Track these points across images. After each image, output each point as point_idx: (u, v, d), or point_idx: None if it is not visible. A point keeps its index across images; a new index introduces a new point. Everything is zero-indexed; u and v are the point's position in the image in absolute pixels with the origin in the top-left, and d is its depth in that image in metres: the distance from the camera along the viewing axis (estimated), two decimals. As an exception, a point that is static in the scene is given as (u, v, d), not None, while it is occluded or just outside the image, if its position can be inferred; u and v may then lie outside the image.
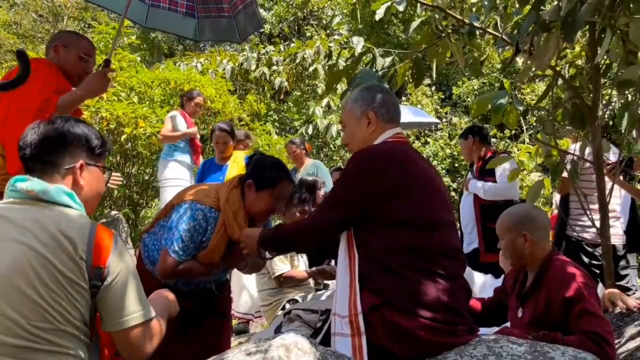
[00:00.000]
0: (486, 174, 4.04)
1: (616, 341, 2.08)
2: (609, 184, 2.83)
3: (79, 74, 2.49)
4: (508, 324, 2.18)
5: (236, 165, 4.41)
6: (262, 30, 13.05)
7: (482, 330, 1.83)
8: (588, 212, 2.84)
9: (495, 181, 4.01)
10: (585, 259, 3.39)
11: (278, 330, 2.36)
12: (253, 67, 9.07)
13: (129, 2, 2.80)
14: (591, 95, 2.69)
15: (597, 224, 2.74)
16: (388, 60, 3.13)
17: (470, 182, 4.15)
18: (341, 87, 6.24)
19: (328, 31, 12.21)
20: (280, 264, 3.65)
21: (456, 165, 10.55)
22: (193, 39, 3.44)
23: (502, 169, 3.92)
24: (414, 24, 3.05)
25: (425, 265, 1.68)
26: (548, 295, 1.92)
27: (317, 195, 4.63)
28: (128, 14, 3.05)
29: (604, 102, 2.89)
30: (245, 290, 4.03)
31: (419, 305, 1.62)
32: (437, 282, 1.67)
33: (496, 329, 2.08)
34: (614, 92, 2.88)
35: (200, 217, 2.10)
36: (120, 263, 1.35)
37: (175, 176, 4.82)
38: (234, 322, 4.02)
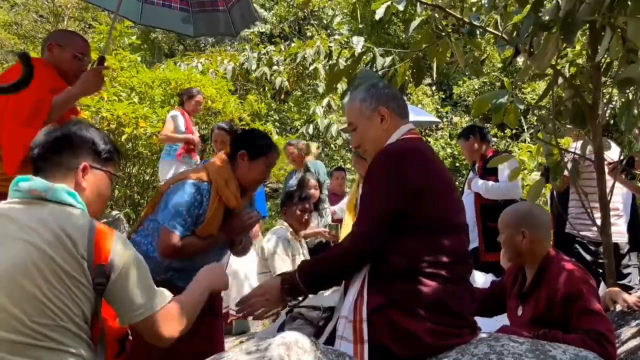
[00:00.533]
0: (488, 173, 4.03)
1: (617, 340, 2.08)
2: (609, 182, 2.83)
3: (75, 72, 2.49)
4: (501, 317, 2.19)
5: None
6: (262, 30, 13.08)
7: (483, 328, 1.83)
8: (589, 211, 2.83)
9: (497, 180, 4.00)
10: (588, 258, 3.38)
11: (281, 329, 2.35)
12: (254, 67, 9.07)
13: (121, 1, 2.78)
14: (592, 94, 2.69)
15: (599, 222, 2.74)
16: (388, 59, 3.13)
17: (473, 180, 4.14)
18: (341, 86, 6.24)
19: (328, 31, 12.21)
20: (282, 263, 3.65)
21: (457, 164, 10.54)
22: (188, 34, 3.42)
23: (505, 169, 3.90)
24: (414, 24, 3.04)
25: (438, 270, 1.65)
26: (549, 293, 1.92)
27: (314, 195, 4.65)
28: (122, 11, 3.03)
29: (604, 100, 2.89)
30: (245, 285, 3.99)
31: (426, 308, 1.60)
32: (447, 287, 1.64)
33: (493, 323, 2.09)
34: (615, 91, 2.88)
35: (194, 191, 2.16)
36: (123, 258, 1.37)
37: (177, 176, 4.83)
38: (232, 322, 4.01)
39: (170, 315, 1.42)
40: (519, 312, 2.05)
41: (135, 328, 1.42)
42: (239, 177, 2.27)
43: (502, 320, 2.24)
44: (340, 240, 4.86)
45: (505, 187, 3.90)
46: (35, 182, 1.38)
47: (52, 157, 1.44)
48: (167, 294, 1.45)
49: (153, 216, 2.27)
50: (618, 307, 2.36)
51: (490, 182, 4.00)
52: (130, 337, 1.63)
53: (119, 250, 1.36)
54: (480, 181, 4.05)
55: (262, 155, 2.28)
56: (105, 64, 2.62)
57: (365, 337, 1.60)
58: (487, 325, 2.17)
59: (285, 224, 3.97)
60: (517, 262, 2.12)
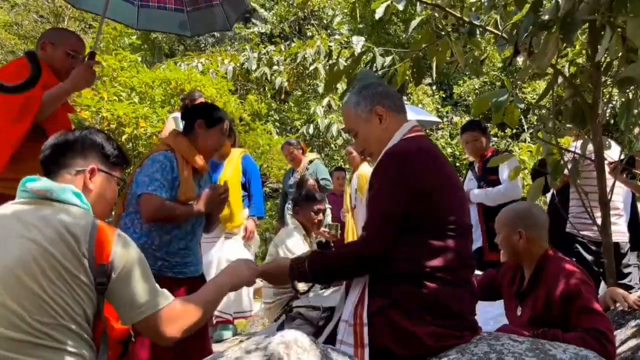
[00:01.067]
0: (489, 173, 3.96)
1: (617, 339, 2.08)
2: (610, 181, 2.82)
3: (67, 70, 2.48)
4: (501, 316, 2.19)
5: (231, 164, 4.36)
6: (262, 31, 13.08)
7: (483, 328, 1.83)
8: (589, 210, 2.83)
9: (497, 180, 3.92)
10: (589, 257, 3.37)
11: (281, 329, 2.35)
12: (254, 67, 9.07)
13: (107, 3, 2.79)
14: (592, 94, 2.69)
15: (599, 221, 2.74)
16: (388, 59, 3.13)
17: (471, 192, 3.98)
18: (341, 86, 6.24)
19: (328, 31, 12.21)
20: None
21: (457, 164, 10.54)
22: (185, 34, 3.44)
23: (505, 168, 3.83)
24: (414, 23, 3.04)
25: (440, 273, 1.63)
26: (547, 293, 1.92)
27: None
28: (119, 17, 3.08)
29: (604, 100, 2.89)
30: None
31: (427, 310, 1.60)
32: (448, 289, 1.63)
33: (493, 323, 2.09)
34: (615, 90, 2.88)
35: (161, 158, 2.29)
36: (124, 258, 1.37)
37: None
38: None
39: (173, 315, 1.42)
40: (518, 313, 2.05)
41: (137, 327, 1.42)
42: (198, 147, 2.40)
43: (502, 319, 2.24)
44: (347, 239, 4.89)
45: (505, 189, 3.79)
46: (42, 183, 1.40)
47: (61, 159, 1.47)
48: (169, 294, 1.45)
49: (126, 211, 2.35)
50: (618, 306, 2.35)
51: (489, 188, 3.89)
52: (133, 339, 1.63)
53: (120, 249, 1.37)
54: (477, 190, 3.92)
55: (218, 123, 2.45)
56: (97, 59, 2.64)
57: (366, 340, 1.59)
58: (487, 325, 2.17)
59: (297, 223, 3.97)
60: (514, 261, 2.12)
